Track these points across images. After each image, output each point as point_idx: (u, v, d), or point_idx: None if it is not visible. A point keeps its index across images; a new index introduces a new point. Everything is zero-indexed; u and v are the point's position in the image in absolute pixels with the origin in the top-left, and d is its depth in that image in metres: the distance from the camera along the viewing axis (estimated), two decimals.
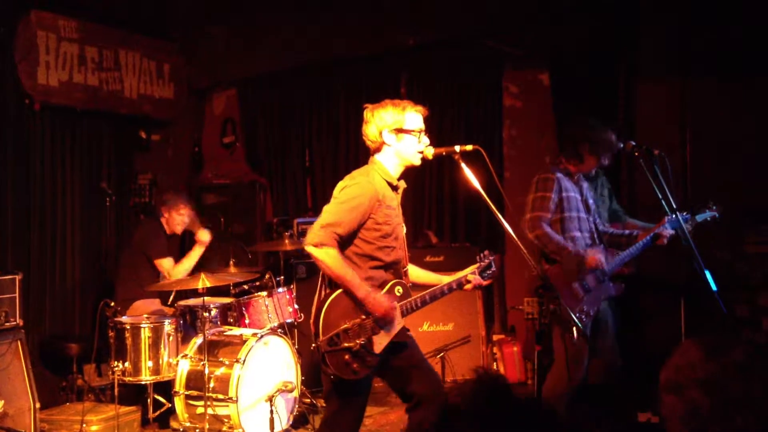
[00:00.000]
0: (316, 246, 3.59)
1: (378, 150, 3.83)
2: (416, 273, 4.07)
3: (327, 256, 3.59)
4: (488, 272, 4.06)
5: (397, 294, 3.81)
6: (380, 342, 3.70)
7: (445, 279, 4.02)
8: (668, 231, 4.72)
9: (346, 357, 3.61)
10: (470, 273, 3.99)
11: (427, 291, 3.90)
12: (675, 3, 5.97)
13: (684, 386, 1.73)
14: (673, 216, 4.52)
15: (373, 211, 3.70)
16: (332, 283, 3.70)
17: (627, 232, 5.02)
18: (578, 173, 4.90)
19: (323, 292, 3.73)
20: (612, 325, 4.86)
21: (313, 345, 3.62)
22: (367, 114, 3.83)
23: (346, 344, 3.59)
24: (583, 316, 4.61)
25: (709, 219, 4.92)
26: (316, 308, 3.65)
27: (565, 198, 4.77)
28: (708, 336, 1.81)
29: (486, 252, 4.10)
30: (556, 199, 4.74)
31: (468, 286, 4.01)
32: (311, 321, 3.66)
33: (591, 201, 4.96)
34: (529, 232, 4.73)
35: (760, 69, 5.73)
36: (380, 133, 3.76)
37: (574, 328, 4.51)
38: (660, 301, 6.02)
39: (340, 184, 3.79)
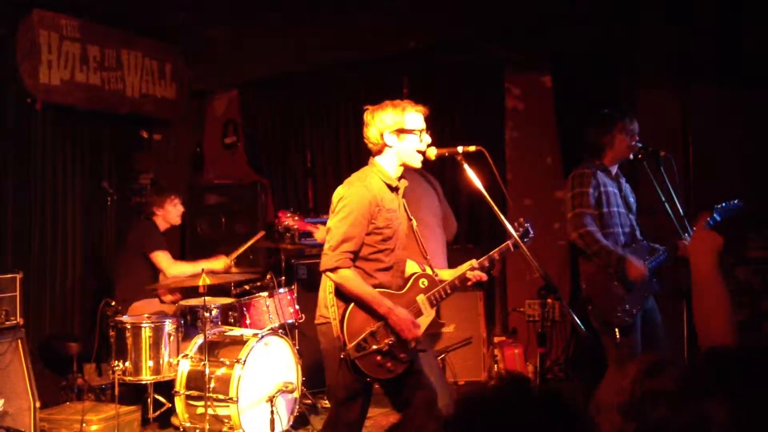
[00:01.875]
0: (331, 271, 3.66)
1: (379, 152, 3.84)
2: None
3: (343, 279, 3.65)
4: (527, 239, 3.93)
5: (422, 286, 3.87)
6: None
7: (445, 275, 4.01)
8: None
9: (378, 358, 3.66)
10: (468, 270, 3.94)
11: (447, 282, 3.91)
12: (677, 7, 5.96)
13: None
14: (687, 229, 4.43)
15: (374, 216, 3.72)
16: (341, 293, 3.74)
17: (649, 245, 4.86)
18: (614, 165, 4.78)
19: (338, 303, 3.73)
20: (661, 327, 4.75)
21: (342, 354, 3.63)
22: (367, 116, 3.83)
23: (375, 347, 3.64)
24: (626, 317, 4.50)
25: (732, 209, 4.70)
26: (339, 319, 3.67)
27: (604, 193, 4.64)
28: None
29: (521, 219, 3.96)
30: (595, 194, 4.61)
31: (469, 282, 3.97)
32: (338, 331, 3.67)
33: (631, 198, 4.85)
34: (572, 231, 4.62)
35: (762, 73, 5.72)
36: (381, 135, 3.77)
37: (616, 330, 4.47)
38: (663, 306, 6.01)
39: (338, 192, 3.79)
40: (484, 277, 3.97)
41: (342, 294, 3.71)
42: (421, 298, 3.86)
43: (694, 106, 6.09)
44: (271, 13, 7.07)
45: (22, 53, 6.13)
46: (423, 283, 3.88)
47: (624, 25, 6.31)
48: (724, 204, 4.69)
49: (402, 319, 3.68)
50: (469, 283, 3.97)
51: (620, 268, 4.51)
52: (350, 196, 3.72)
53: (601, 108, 4.92)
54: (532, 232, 3.98)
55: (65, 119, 6.72)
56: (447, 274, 4.01)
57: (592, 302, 4.66)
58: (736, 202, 4.73)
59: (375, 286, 3.74)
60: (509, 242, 3.89)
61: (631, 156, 4.72)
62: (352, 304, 3.67)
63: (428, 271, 3.98)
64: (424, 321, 3.84)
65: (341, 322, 3.65)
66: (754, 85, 5.78)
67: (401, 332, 3.67)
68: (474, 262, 3.94)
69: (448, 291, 3.90)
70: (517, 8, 6.37)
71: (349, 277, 3.65)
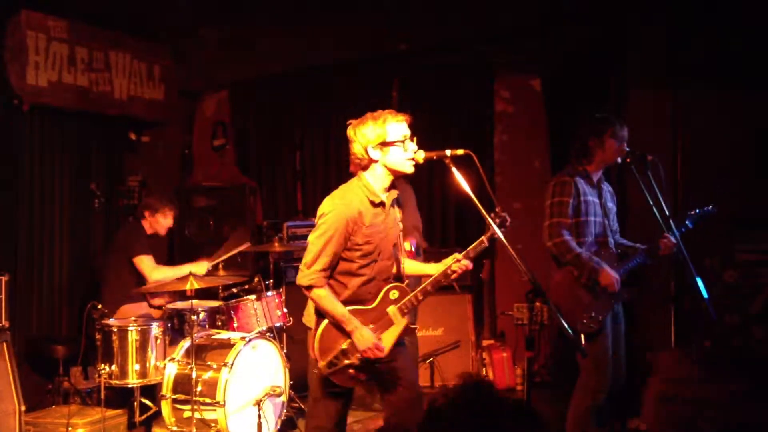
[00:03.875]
0: (305, 289, 3.76)
1: (366, 167, 3.80)
2: (409, 266, 4.10)
3: (317, 297, 3.74)
4: (503, 229, 3.79)
5: (392, 298, 3.84)
6: (385, 345, 3.78)
7: (429, 270, 3.99)
8: (672, 240, 4.58)
9: (351, 372, 3.74)
10: (453, 262, 3.89)
11: (419, 288, 3.86)
12: (668, 11, 5.97)
13: (686, 400, 1.71)
14: (673, 231, 4.44)
15: (353, 233, 3.71)
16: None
17: (631, 244, 4.89)
18: (598, 172, 4.78)
19: (314, 317, 3.83)
20: (623, 337, 4.77)
21: (315, 370, 3.72)
22: (350, 132, 3.79)
23: (346, 362, 3.71)
24: (591, 323, 4.50)
25: (705, 215, 4.76)
26: (312, 336, 3.77)
27: (583, 202, 4.64)
28: (704, 351, 1.80)
29: (498, 209, 3.82)
30: (574, 203, 4.61)
31: (454, 276, 3.90)
32: (309, 347, 3.78)
33: (610, 204, 4.85)
34: (547, 239, 4.63)
35: (752, 75, 5.73)
36: (365, 150, 3.73)
37: (582, 336, 4.47)
38: (650, 308, 6.02)
39: (321, 207, 3.79)
40: (470, 265, 3.91)
41: (316, 311, 3.82)
42: (392, 310, 3.83)
43: (683, 108, 6.10)
44: (260, 15, 7.06)
45: (9, 54, 6.09)
46: (393, 294, 3.85)
47: (614, 27, 6.31)
48: (697, 210, 4.72)
49: (364, 340, 3.71)
50: (455, 276, 3.89)
51: (592, 277, 4.54)
52: (329, 214, 3.72)
53: (591, 110, 4.92)
54: (509, 220, 3.85)
55: (53, 121, 6.68)
56: (432, 269, 3.98)
57: (559, 309, 4.68)
58: (709, 208, 4.75)
59: (352, 301, 3.78)
60: (484, 237, 3.85)
61: (619, 160, 4.73)
62: (325, 322, 3.75)
63: (404, 266, 3.97)
64: (395, 330, 3.81)
65: (313, 338, 3.75)
66: (743, 87, 5.79)
67: (363, 353, 3.71)
68: (458, 256, 3.88)
69: (420, 297, 3.86)
70: (507, 10, 6.37)
71: (322, 296, 3.73)
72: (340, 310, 3.72)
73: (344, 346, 3.72)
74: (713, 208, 4.77)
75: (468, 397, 1.60)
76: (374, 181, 3.80)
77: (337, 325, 3.74)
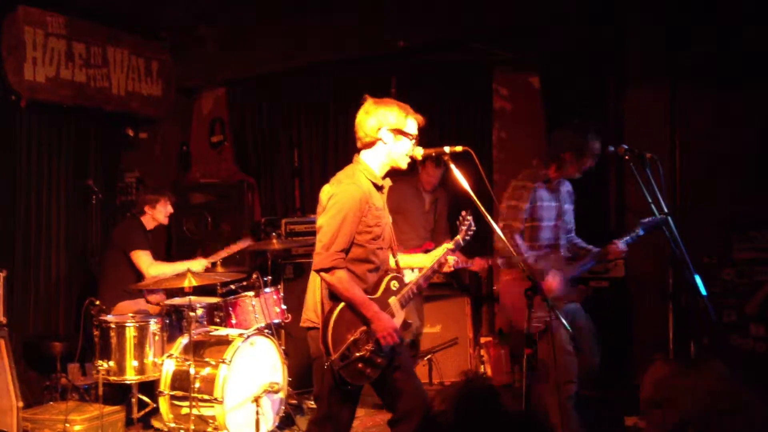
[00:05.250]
0: (326, 271, 3.66)
1: (368, 146, 3.82)
2: (403, 259, 4.14)
3: (338, 281, 3.65)
4: (470, 233, 4.06)
5: (393, 288, 3.86)
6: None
7: (416, 262, 4.07)
8: (621, 246, 4.64)
9: (359, 365, 3.67)
10: (444, 253, 3.98)
11: (413, 281, 3.91)
12: (668, 11, 5.97)
13: (673, 399, 1.72)
14: (663, 218, 4.45)
15: (364, 214, 3.71)
16: (333, 297, 3.73)
17: (584, 245, 4.95)
18: (559, 179, 4.84)
19: (326, 307, 3.74)
20: (587, 325, 4.81)
21: (327, 363, 3.63)
22: (368, 105, 3.80)
23: (357, 354, 3.65)
24: (538, 323, 4.49)
25: (657, 223, 4.55)
26: (322, 326, 3.68)
27: (539, 207, 4.73)
28: (683, 355, 1.84)
29: (463, 214, 4.04)
30: (529, 209, 4.71)
31: (446, 268, 4.01)
32: (320, 340, 3.68)
33: (566, 205, 4.90)
34: (497, 240, 4.71)
35: (751, 78, 5.74)
36: (378, 129, 3.75)
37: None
38: (648, 306, 6.03)
39: (327, 190, 3.78)
40: (458, 262, 4.03)
41: (330, 299, 3.71)
42: (392, 301, 3.85)
43: (682, 108, 6.10)
44: (259, 13, 7.05)
45: (6, 50, 6.07)
46: (394, 285, 3.87)
47: (611, 26, 6.32)
48: (650, 219, 4.63)
49: (385, 325, 3.69)
50: (448, 269, 4.01)
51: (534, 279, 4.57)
52: (341, 194, 3.70)
53: (588, 110, 4.92)
54: (473, 226, 4.06)
55: (50, 117, 6.65)
56: (427, 260, 4.05)
57: (506, 310, 4.74)
58: (659, 217, 4.70)
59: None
60: (458, 237, 4.03)
61: (579, 174, 4.75)
62: (336, 313, 3.65)
63: (392, 263, 3.98)
64: (396, 323, 3.82)
65: (325, 330, 3.65)
66: (743, 87, 5.80)
67: (382, 338, 3.68)
68: (449, 246, 3.99)
69: (415, 291, 3.92)
70: (506, 9, 6.37)
71: (344, 278, 3.65)
72: (360, 293, 3.67)
73: (356, 336, 3.66)
74: (665, 216, 4.69)
75: (471, 406, 1.58)
76: (374, 165, 3.83)
77: (348, 311, 3.67)
